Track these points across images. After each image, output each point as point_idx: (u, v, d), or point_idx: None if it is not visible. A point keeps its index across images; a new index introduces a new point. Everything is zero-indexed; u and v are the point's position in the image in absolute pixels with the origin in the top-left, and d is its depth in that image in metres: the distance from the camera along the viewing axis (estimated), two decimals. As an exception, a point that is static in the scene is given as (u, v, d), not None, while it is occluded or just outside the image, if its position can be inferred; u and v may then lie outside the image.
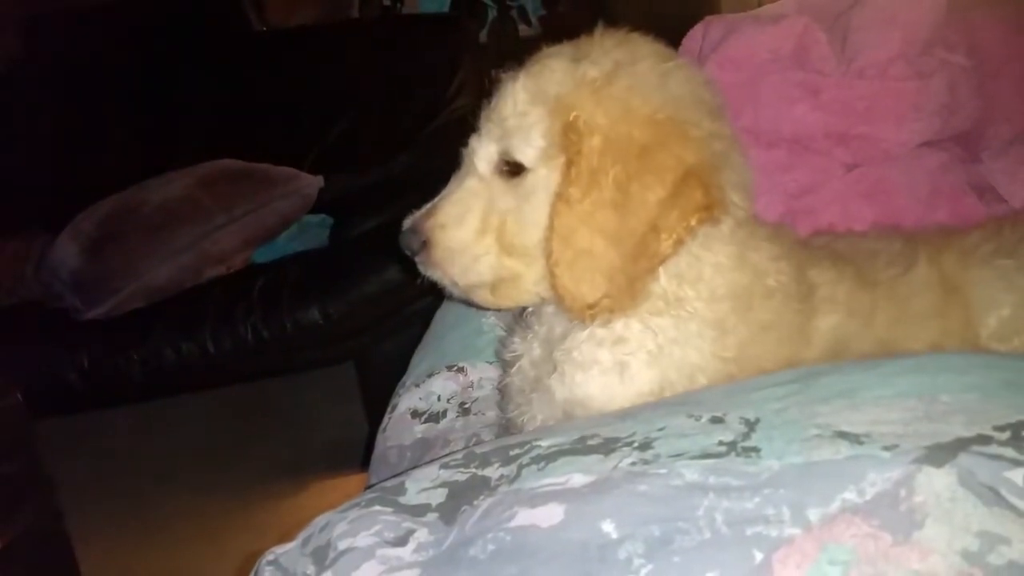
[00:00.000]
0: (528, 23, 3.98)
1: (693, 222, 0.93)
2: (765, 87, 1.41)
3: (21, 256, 2.66)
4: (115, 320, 2.44)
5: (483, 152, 1.01)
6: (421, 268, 1.05)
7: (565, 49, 1.02)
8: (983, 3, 1.54)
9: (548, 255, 0.96)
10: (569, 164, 0.94)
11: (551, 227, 0.95)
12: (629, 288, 0.94)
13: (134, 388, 2.46)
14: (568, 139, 0.94)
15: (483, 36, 3.85)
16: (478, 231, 1.01)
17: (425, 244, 1.03)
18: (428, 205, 1.04)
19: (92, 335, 2.43)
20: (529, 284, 1.02)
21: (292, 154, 2.83)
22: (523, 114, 0.98)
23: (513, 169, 0.99)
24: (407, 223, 1.04)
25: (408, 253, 1.04)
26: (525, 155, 0.98)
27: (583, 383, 1.00)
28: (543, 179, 0.97)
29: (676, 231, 0.93)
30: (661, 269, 0.96)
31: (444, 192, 1.04)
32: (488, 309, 1.13)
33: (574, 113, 0.94)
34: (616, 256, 0.93)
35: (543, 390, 1.04)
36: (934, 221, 1.35)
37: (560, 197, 0.95)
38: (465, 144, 1.05)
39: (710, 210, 0.93)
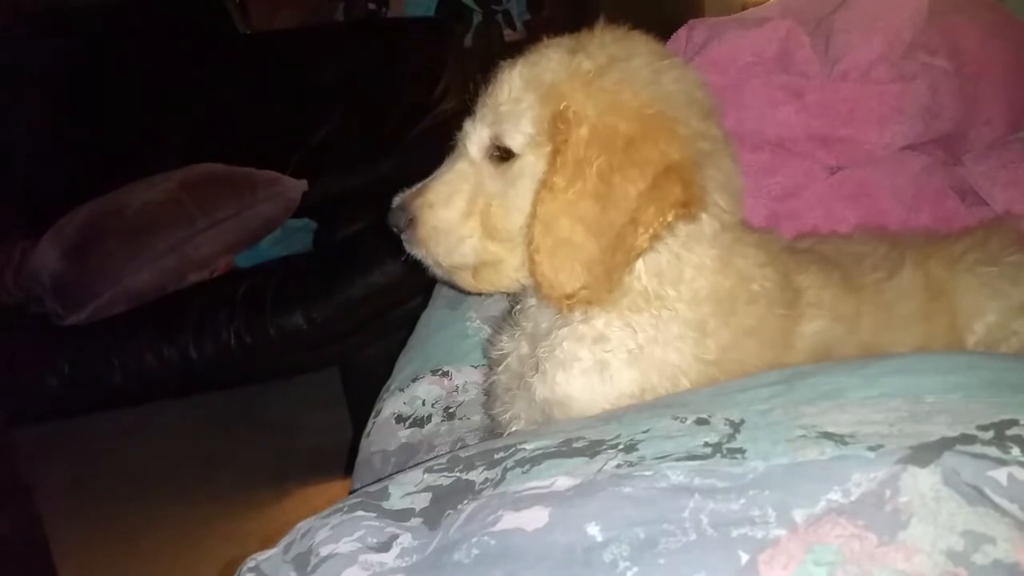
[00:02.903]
0: (513, 27, 3.99)
1: (670, 217, 0.93)
2: (748, 90, 1.42)
3: (1, 261, 2.63)
4: (96, 325, 2.42)
5: (475, 136, 1.02)
6: (406, 246, 1.06)
7: (564, 41, 1.02)
8: (963, 7, 1.55)
9: (529, 242, 0.97)
10: (556, 153, 0.95)
11: (533, 214, 0.96)
12: (606, 279, 0.94)
13: (115, 394, 2.43)
14: (556, 128, 0.95)
15: (468, 40, 3.85)
16: (464, 213, 1.02)
17: (412, 222, 1.04)
18: (419, 184, 1.05)
19: (73, 340, 2.40)
20: (510, 270, 1.03)
21: (276, 158, 2.82)
22: (516, 100, 0.99)
23: (503, 154, 1.00)
24: (396, 200, 1.06)
25: (395, 230, 1.05)
26: (514, 141, 0.99)
27: (563, 382, 0.99)
28: (530, 166, 0.98)
29: (652, 225, 0.93)
30: (642, 265, 0.97)
31: (436, 173, 1.05)
32: (469, 293, 1.13)
33: (564, 103, 0.94)
34: (595, 247, 0.93)
35: (525, 388, 1.04)
36: (917, 224, 1.36)
37: (544, 185, 0.95)
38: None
39: (688, 206, 0.93)
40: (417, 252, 1.06)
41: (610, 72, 0.96)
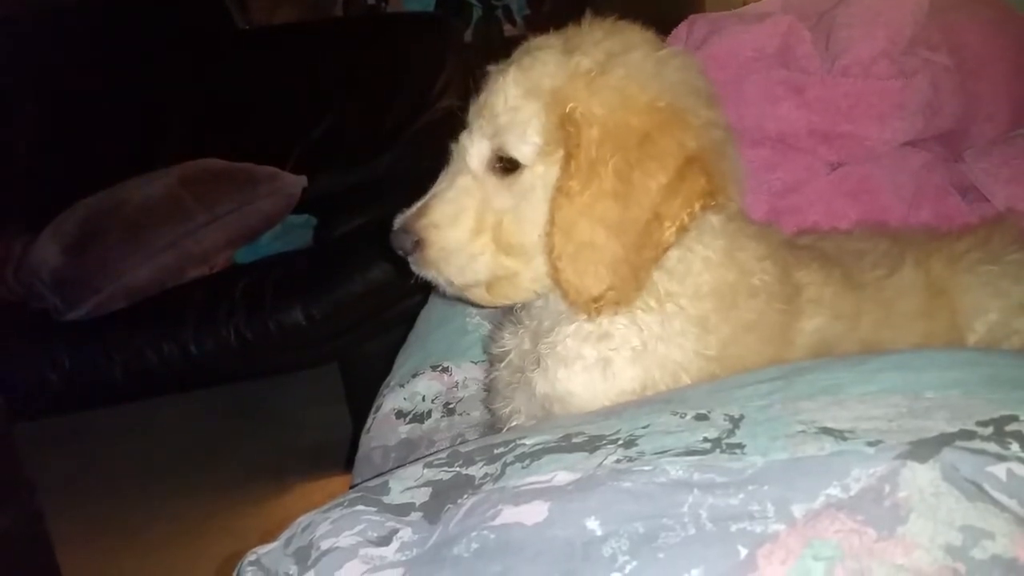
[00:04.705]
0: (513, 22, 3.98)
1: (697, 207, 0.92)
2: (749, 85, 1.42)
3: (0, 257, 2.63)
4: (96, 321, 2.42)
5: (475, 150, 0.99)
6: (414, 268, 1.03)
7: (553, 40, 1.00)
8: (964, 3, 1.55)
9: (550, 250, 0.94)
10: (568, 157, 0.93)
11: (552, 221, 0.94)
12: (634, 278, 0.93)
13: (115, 389, 2.44)
14: (566, 132, 0.93)
15: (468, 35, 3.85)
16: (473, 230, 0.99)
17: (418, 244, 1.00)
18: (418, 204, 1.01)
19: (73, 336, 2.40)
20: (526, 282, 1.01)
21: (275, 153, 2.81)
22: (515, 109, 0.96)
23: (507, 166, 0.97)
24: (398, 222, 1.02)
25: (400, 253, 1.02)
26: (521, 152, 0.96)
27: (565, 379, 0.99)
28: (540, 176, 0.96)
29: (680, 218, 0.92)
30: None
31: (434, 190, 1.02)
32: (483, 307, 1.12)
33: (570, 105, 0.92)
34: (619, 247, 0.92)
35: (526, 383, 1.03)
36: (918, 220, 1.35)
37: (560, 190, 0.93)
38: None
39: (713, 196, 0.93)
40: (427, 273, 1.02)
41: (612, 68, 0.94)
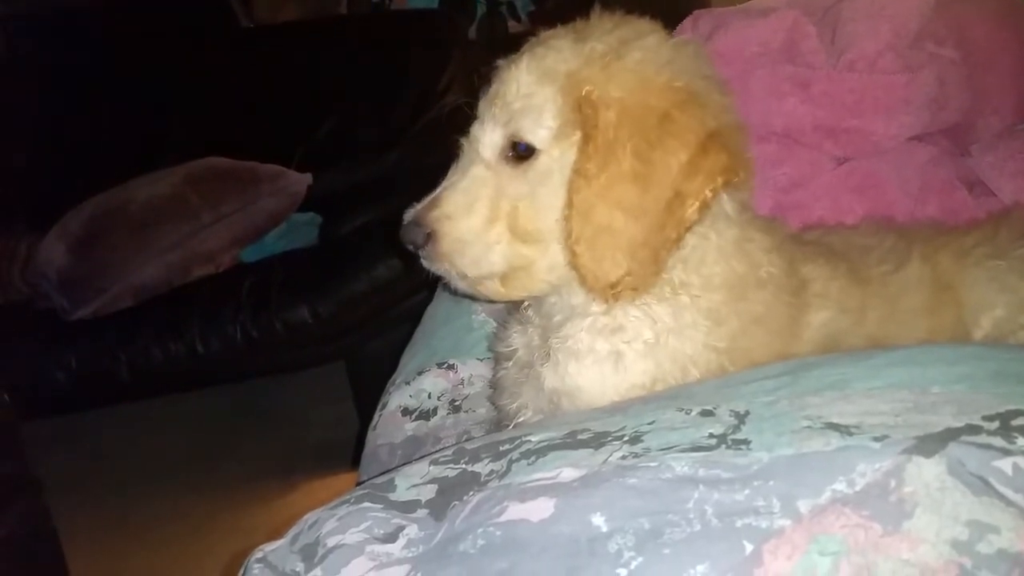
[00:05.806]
0: (517, 19, 3.98)
1: (719, 183, 0.91)
2: (755, 81, 1.41)
3: (7, 256, 2.64)
4: (102, 320, 2.42)
5: (488, 139, 0.98)
6: (425, 263, 1.01)
7: (563, 32, 1.00)
8: (971, -3, 1.54)
9: (568, 234, 0.93)
10: (586, 139, 0.92)
11: (569, 204, 0.93)
12: (654, 261, 0.92)
13: (122, 388, 2.44)
14: (583, 114, 0.92)
15: (472, 32, 3.84)
16: (488, 219, 0.97)
17: (430, 237, 0.99)
18: (429, 197, 1.00)
19: (79, 335, 2.41)
20: (542, 272, 0.99)
21: (280, 152, 2.81)
22: (529, 95, 0.95)
23: (521, 153, 0.97)
24: (408, 216, 1.00)
25: (411, 248, 1.01)
26: (537, 136, 0.95)
27: (575, 373, 0.98)
28: (556, 160, 0.95)
29: (702, 195, 0.91)
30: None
31: (445, 183, 1.01)
32: (494, 303, 1.10)
33: (586, 88, 0.92)
34: (638, 230, 0.91)
35: (534, 378, 1.03)
36: (924, 215, 1.35)
37: (578, 172, 0.92)
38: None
39: (735, 171, 0.92)
40: (438, 267, 1.00)
41: (628, 53, 0.94)
